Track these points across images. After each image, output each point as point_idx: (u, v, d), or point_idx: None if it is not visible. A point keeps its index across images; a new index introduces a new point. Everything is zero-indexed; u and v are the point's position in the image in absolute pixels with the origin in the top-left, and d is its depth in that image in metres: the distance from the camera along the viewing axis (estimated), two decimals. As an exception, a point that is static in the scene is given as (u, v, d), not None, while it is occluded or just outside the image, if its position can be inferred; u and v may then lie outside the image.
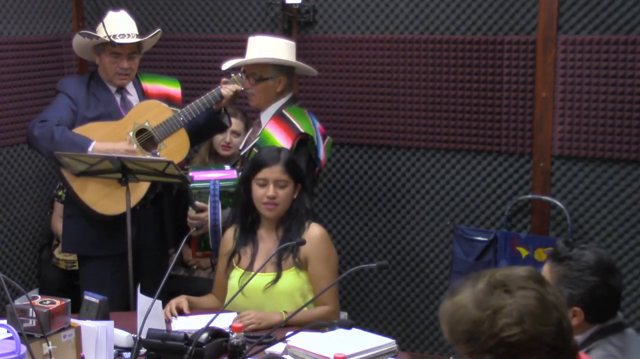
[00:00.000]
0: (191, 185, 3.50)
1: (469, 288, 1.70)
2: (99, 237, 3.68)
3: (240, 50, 3.80)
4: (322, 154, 3.61)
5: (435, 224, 4.33)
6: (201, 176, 3.52)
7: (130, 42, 3.63)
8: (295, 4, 4.36)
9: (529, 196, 4.07)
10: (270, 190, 3.06)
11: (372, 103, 4.35)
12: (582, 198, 4.00)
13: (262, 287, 3.03)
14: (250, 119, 4.39)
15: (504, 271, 1.73)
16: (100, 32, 3.64)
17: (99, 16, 3.83)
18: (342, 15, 4.37)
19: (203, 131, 3.81)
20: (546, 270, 2.34)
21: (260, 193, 3.08)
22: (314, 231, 3.09)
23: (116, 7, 4.03)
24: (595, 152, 3.92)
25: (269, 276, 3.04)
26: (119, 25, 3.64)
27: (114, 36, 3.59)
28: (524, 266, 1.76)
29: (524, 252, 4.00)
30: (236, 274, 3.12)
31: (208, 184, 3.48)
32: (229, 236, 3.21)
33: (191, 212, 3.53)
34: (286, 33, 4.31)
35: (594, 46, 3.85)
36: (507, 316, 1.64)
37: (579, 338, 2.29)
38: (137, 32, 3.69)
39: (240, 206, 3.18)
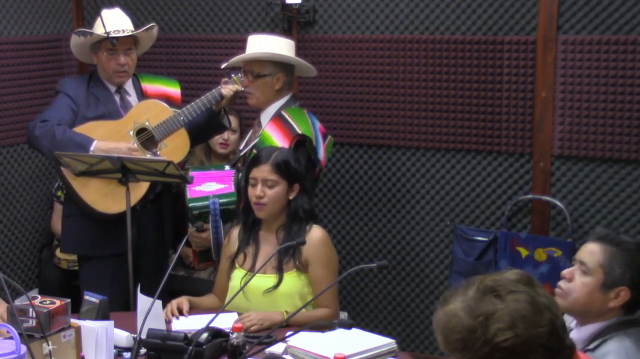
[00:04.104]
0: (190, 205, 3.45)
1: (460, 296, 1.71)
2: (99, 237, 3.68)
3: (241, 51, 3.80)
4: (322, 154, 3.61)
5: (435, 224, 4.33)
6: (198, 192, 3.47)
7: (125, 35, 3.64)
8: (295, 4, 4.36)
9: (529, 196, 4.07)
10: (258, 189, 3.07)
11: (372, 103, 4.35)
12: (582, 198, 4.00)
13: (262, 289, 3.03)
14: (246, 118, 4.39)
15: (493, 276, 1.73)
16: (97, 30, 3.66)
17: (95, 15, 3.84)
18: (342, 15, 4.37)
19: (202, 131, 3.81)
20: (593, 250, 2.35)
21: (250, 193, 3.10)
22: (315, 234, 3.08)
23: (115, 5, 4.02)
24: (595, 152, 3.92)
25: (269, 278, 3.04)
26: (113, 22, 3.66)
27: (109, 32, 3.60)
28: (513, 270, 1.77)
29: (524, 252, 4.00)
30: (238, 275, 3.12)
31: (207, 203, 3.44)
32: (234, 236, 3.21)
33: (191, 229, 3.49)
34: (286, 33, 4.31)
35: (594, 46, 3.85)
36: (499, 321, 1.64)
37: (593, 327, 2.30)
38: (132, 28, 3.70)
39: (243, 206, 3.19)
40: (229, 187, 3.49)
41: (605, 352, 2.24)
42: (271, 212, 3.10)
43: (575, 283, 2.35)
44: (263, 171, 3.08)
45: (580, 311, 2.36)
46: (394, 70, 4.27)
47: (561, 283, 2.40)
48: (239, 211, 3.25)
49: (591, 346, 2.30)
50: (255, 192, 3.07)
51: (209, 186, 3.52)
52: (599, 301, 2.32)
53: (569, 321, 2.46)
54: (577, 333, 2.36)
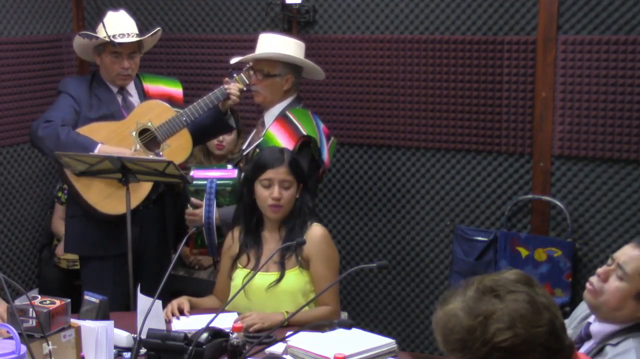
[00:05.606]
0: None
1: (460, 296, 1.71)
2: (101, 238, 3.68)
3: (241, 50, 3.80)
4: (325, 155, 3.61)
5: (435, 224, 4.33)
6: (201, 174, 3.53)
7: (130, 41, 3.63)
8: (295, 4, 4.36)
9: (529, 196, 4.07)
10: (275, 191, 3.05)
11: (372, 103, 4.35)
12: (582, 198, 4.00)
13: (264, 286, 3.03)
14: (246, 118, 4.39)
15: (492, 276, 1.73)
16: (100, 33, 3.65)
17: (99, 16, 3.83)
18: (342, 15, 4.37)
19: (208, 131, 3.82)
20: (634, 256, 2.29)
21: (265, 194, 3.07)
22: (315, 231, 3.09)
23: (116, 7, 4.03)
24: (595, 152, 3.92)
25: (272, 276, 3.04)
26: (118, 25, 3.65)
27: (114, 36, 3.59)
28: (513, 270, 1.77)
29: (524, 252, 4.00)
30: (240, 274, 3.12)
31: (205, 182, 3.48)
32: (235, 237, 3.21)
33: (189, 209, 3.54)
34: (286, 33, 4.31)
35: (594, 46, 3.86)
36: (499, 321, 1.64)
37: (617, 325, 2.27)
38: (136, 32, 3.69)
39: (244, 207, 3.16)
40: (232, 174, 3.51)
41: (628, 348, 2.20)
42: (285, 213, 3.10)
43: (609, 286, 2.27)
44: (280, 173, 3.06)
45: (606, 312, 2.29)
46: (394, 70, 4.27)
47: (594, 280, 2.32)
48: (240, 212, 3.23)
49: (613, 341, 2.26)
50: (273, 194, 3.05)
51: (214, 173, 3.55)
52: (630, 309, 2.25)
53: (585, 312, 2.44)
54: (599, 327, 2.32)
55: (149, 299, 2.68)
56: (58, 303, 2.43)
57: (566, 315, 2.53)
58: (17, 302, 2.49)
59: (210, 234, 3.47)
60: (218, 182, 3.48)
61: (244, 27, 4.57)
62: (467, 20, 4.10)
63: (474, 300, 1.68)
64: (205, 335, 2.57)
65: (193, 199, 3.52)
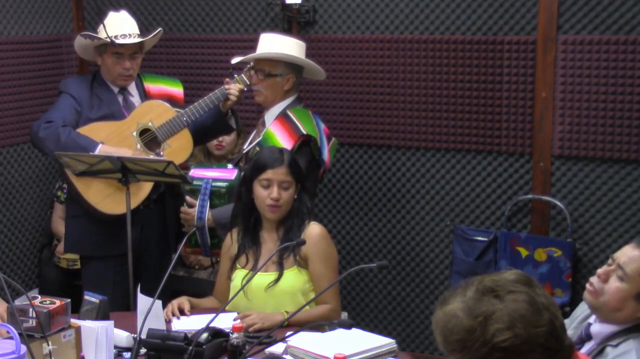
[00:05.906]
0: None
1: (459, 297, 1.71)
2: (102, 238, 3.68)
3: (241, 50, 3.80)
4: (326, 155, 3.61)
5: (435, 224, 4.33)
6: (199, 173, 3.53)
7: (131, 42, 3.64)
8: (295, 4, 4.36)
9: (529, 196, 4.07)
10: (274, 192, 3.04)
11: (372, 103, 4.35)
12: (582, 198, 4.00)
13: (263, 286, 3.02)
14: (246, 119, 4.39)
15: (492, 276, 1.73)
16: (101, 33, 3.65)
17: (99, 16, 3.83)
18: (342, 15, 4.37)
19: (209, 131, 3.82)
20: (634, 256, 2.28)
21: (263, 194, 3.06)
22: (313, 230, 3.08)
23: (116, 7, 4.02)
24: (595, 152, 3.93)
25: (271, 276, 3.04)
26: (119, 26, 3.65)
27: (115, 37, 3.59)
28: (512, 270, 1.77)
29: (524, 252, 4.00)
30: (239, 275, 3.12)
31: (201, 182, 3.49)
32: (233, 238, 3.20)
33: (184, 207, 3.55)
34: (286, 33, 4.31)
35: (594, 46, 3.86)
36: (498, 321, 1.64)
37: (617, 325, 2.27)
38: (138, 32, 3.69)
39: (242, 206, 3.16)
40: (230, 176, 3.51)
41: (629, 349, 2.21)
42: (283, 213, 3.10)
43: (610, 286, 2.27)
44: (280, 173, 3.06)
45: (606, 312, 2.29)
46: (394, 70, 4.27)
47: (594, 281, 2.32)
48: (238, 212, 3.23)
49: (614, 341, 2.26)
50: (271, 194, 3.04)
51: (212, 173, 3.55)
52: (630, 309, 2.25)
53: (585, 313, 2.44)
54: (599, 327, 2.32)
55: (149, 299, 2.68)
56: (58, 303, 2.43)
57: (566, 315, 2.53)
58: (17, 302, 2.49)
59: (203, 234, 3.47)
60: (213, 183, 3.48)
61: (244, 27, 4.57)
62: (467, 20, 4.10)
63: (474, 300, 1.68)
64: (205, 335, 2.57)
65: (188, 198, 3.53)
